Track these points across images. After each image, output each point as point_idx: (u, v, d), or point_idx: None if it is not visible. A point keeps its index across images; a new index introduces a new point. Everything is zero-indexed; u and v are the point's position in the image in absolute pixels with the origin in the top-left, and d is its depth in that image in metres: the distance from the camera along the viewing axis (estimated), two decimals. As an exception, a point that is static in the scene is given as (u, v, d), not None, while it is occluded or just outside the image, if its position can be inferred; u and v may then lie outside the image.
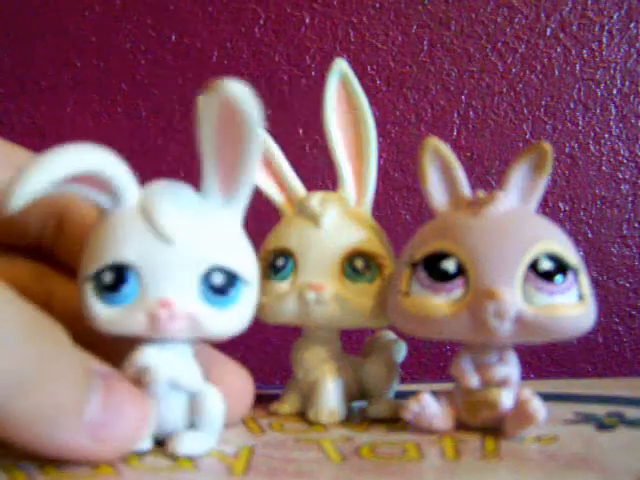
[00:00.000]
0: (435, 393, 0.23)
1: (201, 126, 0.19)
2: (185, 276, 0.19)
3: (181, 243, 0.19)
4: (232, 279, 0.20)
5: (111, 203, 0.19)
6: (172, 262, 0.19)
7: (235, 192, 0.20)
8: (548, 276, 0.21)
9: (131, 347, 0.20)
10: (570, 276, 0.21)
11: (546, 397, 0.22)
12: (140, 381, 0.19)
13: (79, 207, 0.23)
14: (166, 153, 0.44)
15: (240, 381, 0.22)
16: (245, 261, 0.20)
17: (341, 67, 0.25)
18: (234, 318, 0.20)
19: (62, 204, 0.23)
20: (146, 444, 0.19)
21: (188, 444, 0.19)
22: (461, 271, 0.21)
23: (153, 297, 0.19)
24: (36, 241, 0.23)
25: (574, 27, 0.45)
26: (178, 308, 0.19)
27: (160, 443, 0.20)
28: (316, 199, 0.24)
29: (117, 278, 0.19)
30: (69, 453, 0.17)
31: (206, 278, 0.19)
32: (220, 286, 0.19)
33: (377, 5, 0.45)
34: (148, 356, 0.19)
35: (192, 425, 0.20)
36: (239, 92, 0.18)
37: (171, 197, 0.20)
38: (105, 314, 0.19)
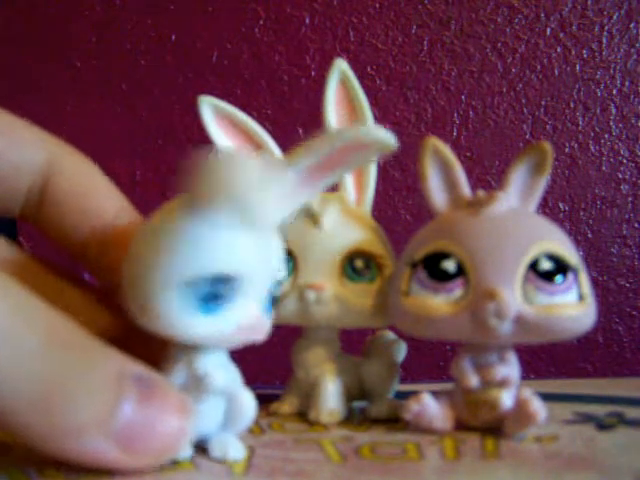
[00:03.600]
0: (435, 393, 0.23)
1: (317, 149, 0.19)
2: (265, 288, 0.19)
3: (276, 257, 0.19)
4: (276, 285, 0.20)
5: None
6: (265, 274, 0.19)
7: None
8: (548, 276, 0.21)
9: (163, 347, 0.19)
10: (570, 276, 0.21)
11: (546, 397, 0.22)
12: (187, 387, 0.19)
13: (64, 178, 0.22)
14: (166, 153, 0.44)
15: None
16: None
17: (341, 67, 0.25)
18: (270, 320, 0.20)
19: (46, 174, 0.22)
20: (186, 451, 0.19)
21: (234, 447, 0.20)
22: (461, 271, 0.21)
23: (244, 309, 0.19)
24: (21, 212, 0.22)
25: (574, 27, 0.45)
26: (262, 320, 0.19)
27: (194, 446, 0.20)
28: (316, 199, 0.24)
29: (224, 289, 0.18)
30: (99, 463, 0.17)
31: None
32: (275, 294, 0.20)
33: (377, 5, 0.45)
34: (203, 364, 0.19)
35: (224, 426, 0.20)
36: (390, 148, 0.19)
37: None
38: (202, 325, 0.18)
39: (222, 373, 0.19)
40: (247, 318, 0.19)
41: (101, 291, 0.23)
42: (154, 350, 0.20)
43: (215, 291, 0.18)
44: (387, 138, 0.18)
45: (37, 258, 0.23)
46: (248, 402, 0.20)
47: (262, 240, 0.19)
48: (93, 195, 0.22)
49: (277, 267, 0.20)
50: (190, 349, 0.19)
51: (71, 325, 0.17)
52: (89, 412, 0.16)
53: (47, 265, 0.23)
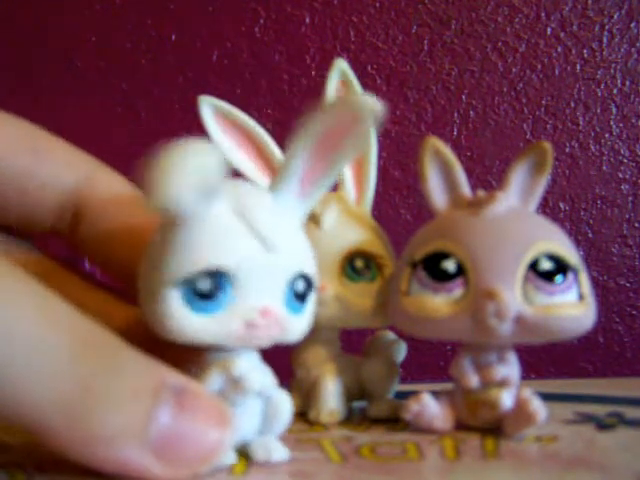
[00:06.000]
0: (435, 393, 0.23)
1: (310, 128, 0.18)
2: (277, 283, 0.18)
3: (280, 249, 0.18)
4: (309, 285, 0.19)
5: (200, 203, 0.17)
6: (269, 268, 0.18)
7: (310, 195, 0.19)
8: (548, 276, 0.21)
9: (186, 353, 0.19)
10: (570, 276, 0.21)
11: (546, 397, 0.22)
12: (224, 392, 0.19)
13: (98, 197, 0.22)
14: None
15: None
16: (314, 266, 0.20)
17: (341, 67, 0.25)
18: (305, 323, 0.20)
19: (80, 192, 0.22)
20: (229, 457, 0.19)
21: (276, 449, 0.19)
22: (461, 271, 0.21)
23: (250, 305, 0.18)
24: (52, 228, 0.22)
25: (574, 27, 0.45)
26: (276, 316, 0.18)
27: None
28: (316, 199, 0.24)
29: (215, 285, 0.18)
30: (134, 473, 0.16)
31: (292, 285, 0.19)
32: (301, 292, 0.19)
33: (377, 5, 0.45)
34: (239, 366, 0.19)
35: (262, 429, 0.20)
36: (377, 111, 0.17)
37: (262, 200, 0.19)
38: (195, 323, 0.18)
39: (257, 375, 0.19)
40: (254, 315, 0.18)
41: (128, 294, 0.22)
42: (179, 353, 0.19)
43: (205, 288, 0.17)
44: (371, 103, 0.17)
45: (63, 261, 0.23)
46: (284, 403, 0.19)
47: (253, 231, 0.18)
48: (127, 208, 0.22)
49: (293, 260, 0.19)
50: (224, 353, 0.19)
51: (100, 329, 0.17)
52: (122, 419, 0.16)
53: (72, 268, 0.23)
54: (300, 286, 0.19)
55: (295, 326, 0.19)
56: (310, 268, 0.19)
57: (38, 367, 0.15)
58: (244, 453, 0.19)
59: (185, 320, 0.18)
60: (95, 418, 0.15)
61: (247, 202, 0.18)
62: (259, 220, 0.18)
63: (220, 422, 0.17)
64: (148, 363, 0.17)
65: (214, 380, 0.19)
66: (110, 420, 0.16)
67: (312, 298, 0.20)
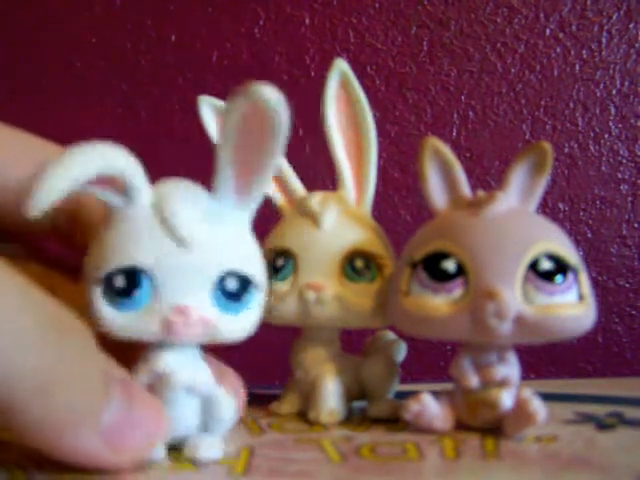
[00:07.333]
0: (435, 393, 0.23)
1: (225, 126, 0.18)
2: (200, 281, 0.19)
3: (197, 247, 0.18)
4: (245, 284, 0.19)
5: (122, 202, 0.19)
6: (187, 267, 0.18)
7: (249, 194, 0.19)
8: (548, 276, 0.21)
9: (137, 350, 0.19)
10: (570, 276, 0.21)
11: (546, 397, 0.22)
12: (154, 387, 0.19)
13: (93, 200, 0.22)
14: (166, 153, 0.44)
15: (233, 384, 0.22)
16: (257, 265, 0.20)
17: (341, 67, 0.25)
18: (246, 322, 0.20)
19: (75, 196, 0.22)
20: (159, 452, 0.19)
21: (208, 448, 0.19)
22: (461, 271, 0.21)
23: (167, 303, 0.18)
24: (51, 231, 0.23)
25: (573, 27, 0.45)
26: (194, 315, 0.18)
27: (171, 447, 0.20)
28: (316, 199, 0.25)
29: (130, 282, 0.18)
30: (85, 460, 0.17)
31: (220, 283, 0.19)
32: (234, 291, 0.19)
33: (377, 5, 0.45)
34: (164, 361, 0.19)
35: (203, 427, 0.20)
36: (272, 98, 0.18)
37: (185, 198, 0.19)
38: (115, 319, 0.18)
39: (187, 371, 0.19)
40: (169, 313, 0.18)
41: None
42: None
43: (120, 285, 0.18)
44: (267, 92, 0.18)
45: (43, 256, 0.23)
46: (225, 402, 0.20)
47: (169, 230, 0.18)
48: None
49: (218, 259, 0.19)
50: (156, 348, 0.19)
51: (69, 318, 0.17)
52: (79, 406, 0.17)
53: (53, 262, 0.23)
54: (232, 285, 0.19)
55: (230, 325, 0.19)
56: (249, 268, 0.19)
57: (16, 353, 0.15)
58: (180, 449, 0.20)
59: (106, 316, 0.18)
60: (53, 402, 0.16)
61: (169, 201, 0.19)
62: (176, 219, 0.18)
63: (157, 414, 0.18)
64: (103, 357, 0.18)
65: (144, 375, 0.19)
66: (67, 406, 0.16)
67: (255, 297, 0.20)
